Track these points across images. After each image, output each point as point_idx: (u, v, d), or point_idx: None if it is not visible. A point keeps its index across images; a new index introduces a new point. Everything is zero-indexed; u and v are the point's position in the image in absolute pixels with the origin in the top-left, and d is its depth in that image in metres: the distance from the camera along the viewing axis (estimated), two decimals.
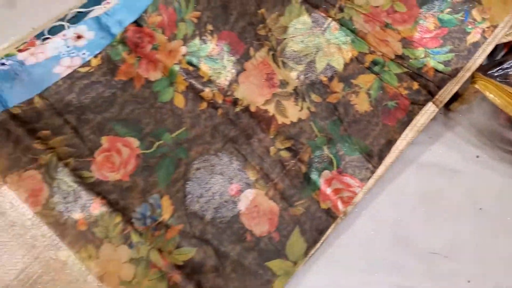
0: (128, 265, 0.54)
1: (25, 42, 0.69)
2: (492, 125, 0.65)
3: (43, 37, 0.70)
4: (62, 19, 0.72)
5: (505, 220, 0.64)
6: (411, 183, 0.65)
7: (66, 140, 0.59)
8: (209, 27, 0.67)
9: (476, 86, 0.59)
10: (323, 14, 0.64)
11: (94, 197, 0.56)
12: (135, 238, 0.55)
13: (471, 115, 0.67)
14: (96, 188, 0.57)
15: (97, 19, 0.71)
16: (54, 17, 0.72)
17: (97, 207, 0.56)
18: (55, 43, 0.69)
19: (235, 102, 0.64)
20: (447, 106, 0.68)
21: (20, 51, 0.68)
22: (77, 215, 0.55)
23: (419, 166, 0.67)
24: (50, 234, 0.54)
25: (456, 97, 0.65)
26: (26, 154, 0.57)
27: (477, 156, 0.68)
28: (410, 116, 0.61)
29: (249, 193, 0.59)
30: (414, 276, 0.61)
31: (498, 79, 0.59)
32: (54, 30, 0.71)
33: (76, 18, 0.72)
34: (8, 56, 0.67)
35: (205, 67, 0.66)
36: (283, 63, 0.65)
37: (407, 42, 0.61)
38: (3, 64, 0.66)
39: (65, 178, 0.57)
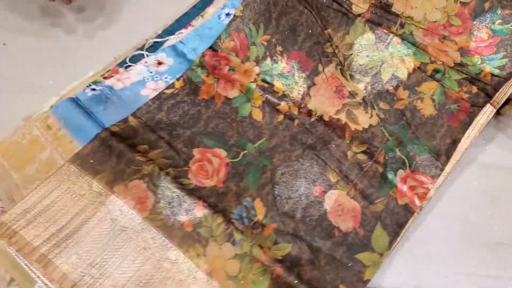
0: (233, 261, 0.58)
1: (108, 70, 0.75)
2: None
3: (125, 65, 0.76)
4: (140, 49, 0.78)
5: None
6: (473, 180, 0.70)
7: (163, 153, 0.65)
8: (279, 48, 0.73)
9: None
10: (385, 31, 0.71)
11: (196, 200, 0.61)
12: (237, 236, 0.59)
13: None
14: (196, 193, 0.62)
15: (174, 47, 0.78)
16: (132, 47, 0.79)
17: (200, 210, 0.60)
18: (138, 70, 0.75)
19: (309, 113, 0.70)
20: (498, 110, 0.73)
21: (105, 78, 0.74)
22: (182, 217, 0.60)
23: (478, 165, 0.72)
24: (160, 236, 0.59)
25: (506, 101, 0.71)
26: (130, 166, 0.63)
27: None
28: (471, 117, 0.67)
29: (332, 194, 0.64)
30: (485, 266, 0.65)
31: None
32: (135, 59, 0.77)
33: (153, 48, 0.79)
34: (95, 83, 0.73)
35: (279, 84, 0.72)
36: (351, 76, 0.71)
37: (464, 51, 0.68)
38: (93, 89, 0.72)
39: (168, 185, 0.61)
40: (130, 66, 0.76)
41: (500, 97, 0.67)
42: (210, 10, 0.82)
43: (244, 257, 0.58)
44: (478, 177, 0.71)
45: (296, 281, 0.57)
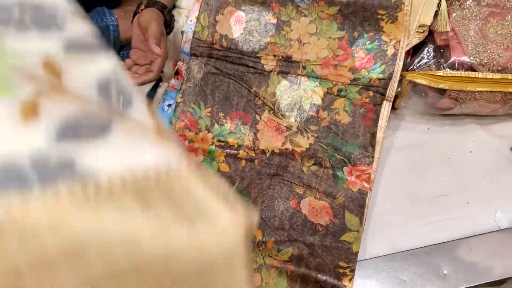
0: (255, 274, 0.71)
1: None
2: (426, 102, 0.94)
3: None
4: None
5: (463, 163, 0.91)
6: (396, 158, 0.91)
7: None
8: (221, 114, 0.91)
9: (408, 78, 0.88)
10: (294, 75, 0.92)
11: None
12: None
13: (410, 104, 0.96)
14: None
15: None
16: None
17: None
18: None
19: (263, 151, 0.87)
20: (393, 106, 0.96)
21: None
22: None
23: (395, 149, 0.93)
24: None
25: (395, 98, 0.93)
26: None
27: (428, 128, 0.96)
28: (377, 113, 0.88)
29: (305, 202, 0.81)
30: (434, 214, 0.84)
31: (417, 70, 0.90)
32: None
33: None
34: None
35: (231, 139, 0.89)
36: (282, 115, 0.90)
37: (353, 70, 0.90)
38: None
39: None
40: None
41: (390, 92, 0.89)
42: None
43: (261, 268, 0.72)
44: (398, 155, 0.91)
45: (307, 270, 0.71)
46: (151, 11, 0.88)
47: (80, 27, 0.33)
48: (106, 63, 0.33)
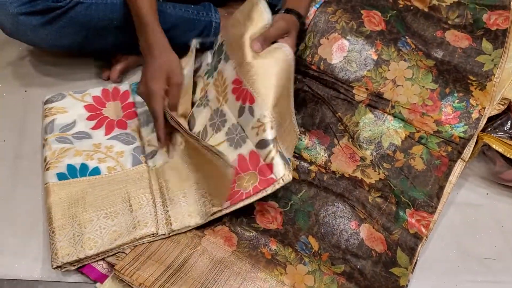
0: (308, 275, 0.86)
1: None
2: (491, 169, 1.09)
3: None
4: None
5: None
6: (454, 213, 1.05)
7: None
8: (301, 129, 1.08)
9: (485, 140, 1.03)
10: (381, 112, 1.07)
11: (269, 238, 0.89)
12: (306, 259, 0.87)
13: (475, 167, 1.11)
14: (266, 234, 0.90)
15: None
16: None
17: (273, 244, 0.88)
18: None
19: (334, 172, 1.03)
20: None
21: None
22: (262, 249, 0.87)
23: (454, 204, 1.07)
24: (248, 263, 0.86)
25: None
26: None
27: (487, 194, 1.10)
28: (450, 169, 1.02)
29: (364, 226, 0.95)
30: (481, 275, 0.96)
31: (494, 135, 1.06)
32: None
33: None
34: None
35: (306, 154, 1.05)
36: (359, 145, 1.06)
37: (438, 122, 1.05)
38: None
39: (245, 228, 0.90)
40: None
41: (466, 153, 1.03)
42: None
43: (315, 272, 0.86)
44: (456, 210, 1.05)
45: (356, 287, 0.86)
46: (292, 18, 1.03)
47: None
48: None
